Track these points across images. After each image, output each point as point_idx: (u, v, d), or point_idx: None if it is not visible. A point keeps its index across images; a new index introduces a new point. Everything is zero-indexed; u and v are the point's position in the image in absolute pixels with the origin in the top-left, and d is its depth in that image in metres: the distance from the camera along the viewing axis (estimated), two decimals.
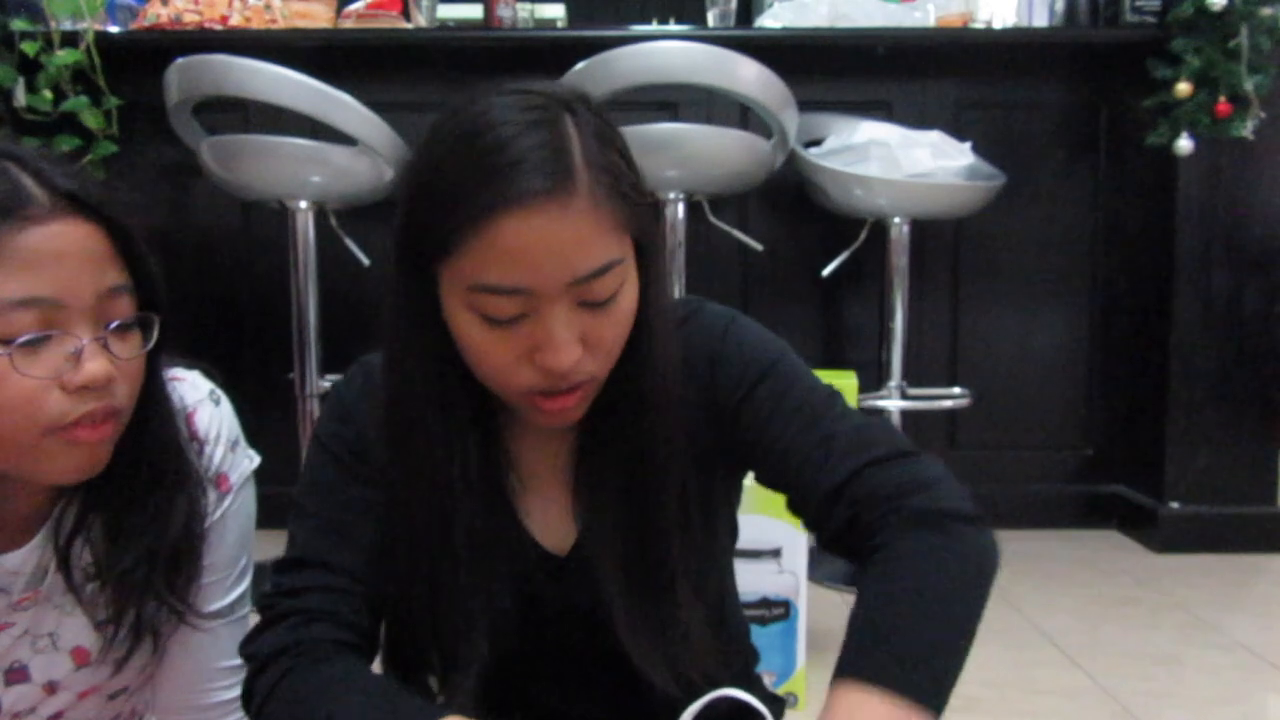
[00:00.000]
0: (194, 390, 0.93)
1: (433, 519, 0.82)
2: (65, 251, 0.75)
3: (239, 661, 0.95)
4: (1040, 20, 2.82)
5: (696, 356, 0.86)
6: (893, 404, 2.52)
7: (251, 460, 0.97)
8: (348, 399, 0.90)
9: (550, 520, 0.89)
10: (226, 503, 0.94)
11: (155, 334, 0.83)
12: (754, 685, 0.99)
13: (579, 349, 0.75)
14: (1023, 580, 2.44)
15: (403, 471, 0.83)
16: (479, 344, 0.76)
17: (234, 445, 0.95)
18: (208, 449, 0.92)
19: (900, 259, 2.49)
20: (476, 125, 0.74)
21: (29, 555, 0.85)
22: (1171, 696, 1.87)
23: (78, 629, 0.88)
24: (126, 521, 0.85)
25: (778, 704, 0.98)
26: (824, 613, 2.24)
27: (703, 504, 0.88)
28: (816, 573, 2.42)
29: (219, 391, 0.95)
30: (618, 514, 0.84)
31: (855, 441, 0.81)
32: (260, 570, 1.07)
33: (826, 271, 2.57)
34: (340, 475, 0.87)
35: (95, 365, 0.77)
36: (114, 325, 0.79)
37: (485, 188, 0.71)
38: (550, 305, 0.74)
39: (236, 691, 0.95)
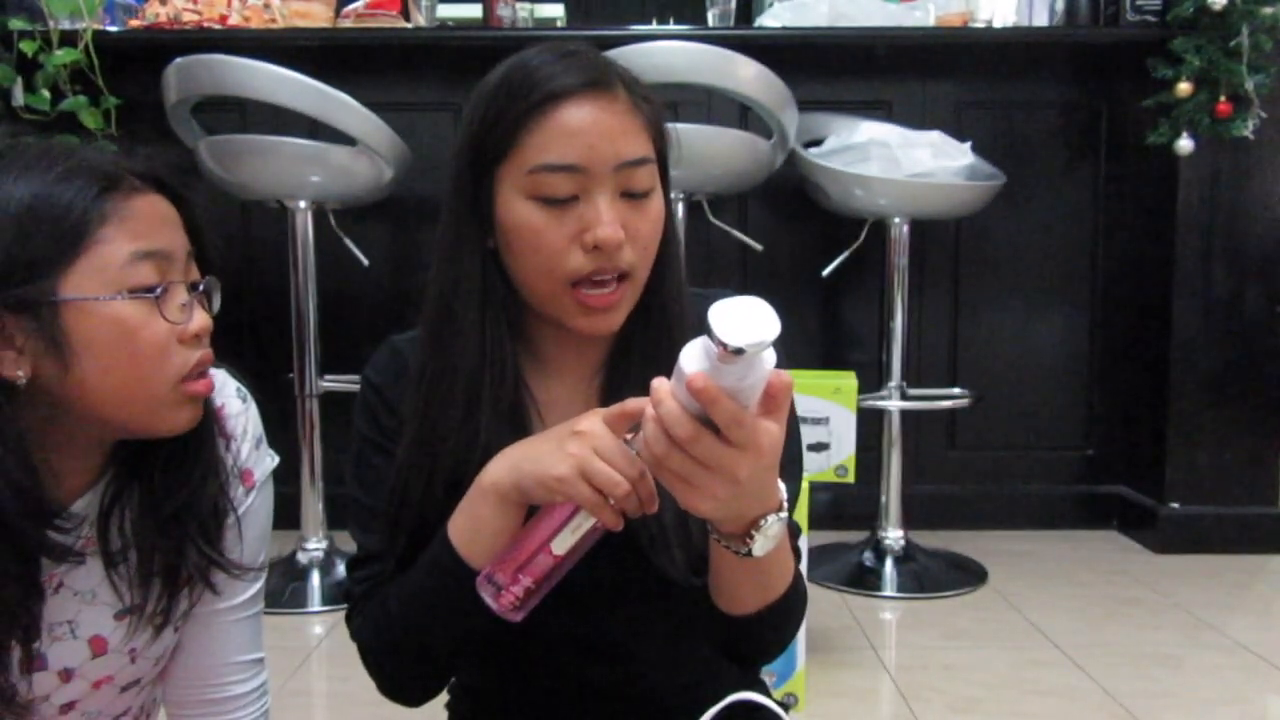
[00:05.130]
0: (222, 387, 0.94)
1: (459, 396, 0.88)
2: (163, 215, 0.83)
3: (253, 655, 0.99)
4: (1040, 20, 2.82)
5: None
6: (892, 404, 2.51)
7: (272, 459, 0.99)
8: (377, 382, 0.95)
9: None
10: (250, 499, 0.95)
11: (218, 300, 0.88)
12: (762, 688, 0.99)
13: (622, 232, 0.84)
14: (1023, 580, 2.44)
15: (435, 359, 0.89)
16: (536, 228, 0.84)
17: (258, 443, 0.96)
18: (234, 445, 0.93)
19: (900, 259, 2.49)
20: (523, 57, 0.87)
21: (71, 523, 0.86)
22: (1171, 696, 1.87)
23: (97, 617, 0.88)
24: (165, 482, 0.87)
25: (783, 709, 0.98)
26: (824, 613, 2.24)
27: None
28: (816, 573, 2.42)
29: (245, 390, 0.97)
30: None
31: None
32: (268, 569, 1.07)
33: (826, 271, 2.57)
34: (386, 463, 0.92)
35: (203, 316, 0.84)
36: (200, 286, 0.85)
37: (545, 84, 0.84)
38: (599, 186, 0.84)
39: (250, 685, 0.98)
